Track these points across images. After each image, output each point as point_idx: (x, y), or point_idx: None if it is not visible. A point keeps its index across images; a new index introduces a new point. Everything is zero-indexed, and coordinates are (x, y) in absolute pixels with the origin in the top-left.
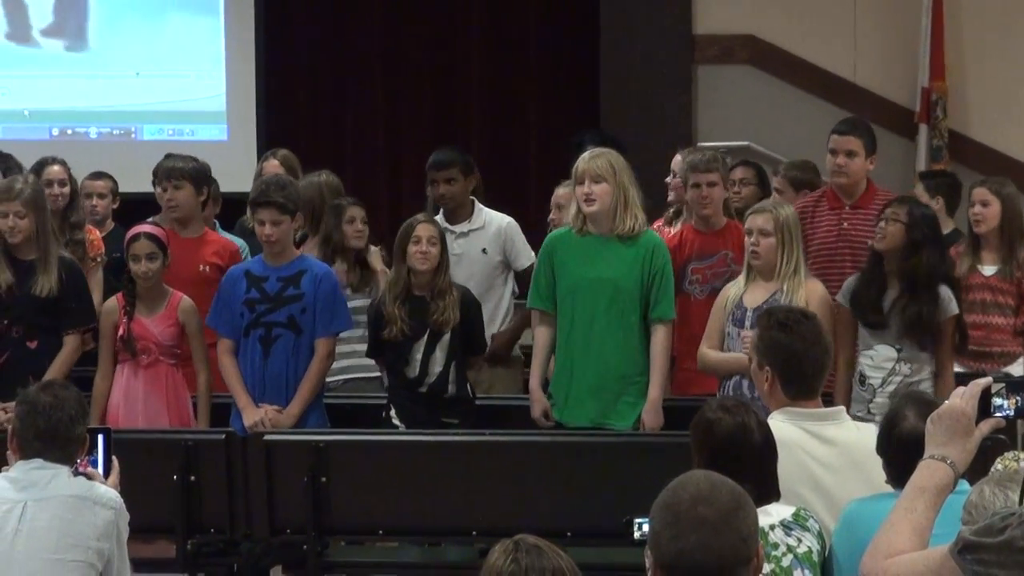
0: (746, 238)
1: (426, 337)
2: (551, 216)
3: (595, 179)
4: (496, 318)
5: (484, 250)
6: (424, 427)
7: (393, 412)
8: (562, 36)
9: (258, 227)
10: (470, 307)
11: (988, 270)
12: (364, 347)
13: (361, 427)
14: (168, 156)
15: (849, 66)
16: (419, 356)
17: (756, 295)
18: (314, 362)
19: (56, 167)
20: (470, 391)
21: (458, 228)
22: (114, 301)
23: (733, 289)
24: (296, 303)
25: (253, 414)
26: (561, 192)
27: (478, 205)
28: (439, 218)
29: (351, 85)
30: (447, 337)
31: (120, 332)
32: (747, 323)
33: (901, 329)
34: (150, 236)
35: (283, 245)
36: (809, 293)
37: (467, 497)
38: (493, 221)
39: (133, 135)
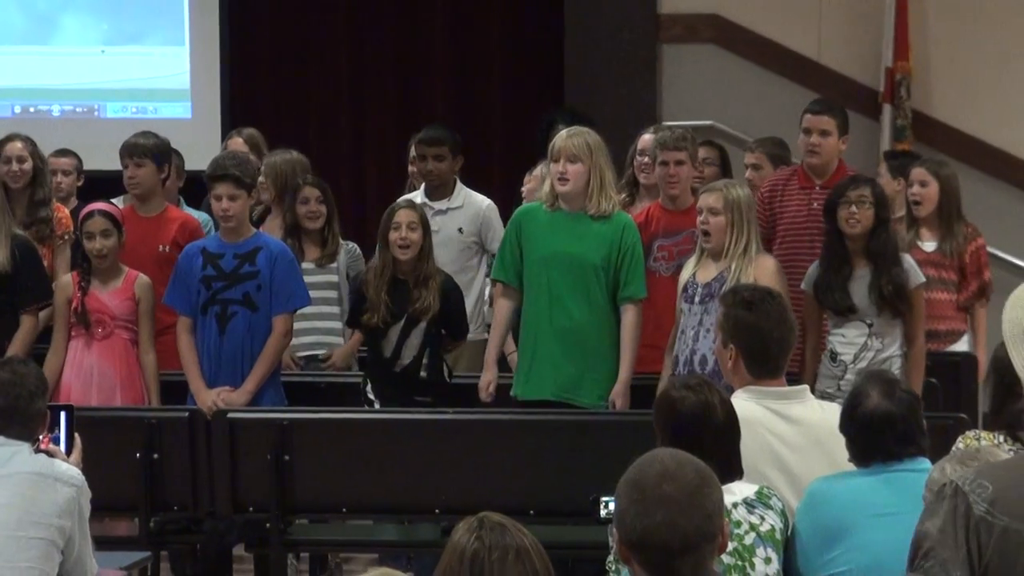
0: (697, 216)
1: (403, 322)
2: (527, 186)
3: (571, 159)
4: (468, 298)
5: (460, 229)
6: (397, 404)
7: (369, 387)
8: (526, 15)
9: (215, 202)
10: (451, 294)
11: (928, 246)
12: (330, 324)
13: (330, 405)
14: (134, 134)
15: (813, 46)
16: (394, 339)
17: (707, 272)
18: (271, 339)
19: (16, 144)
20: (446, 373)
21: (437, 205)
22: (69, 278)
23: (687, 270)
24: (252, 280)
25: (206, 397)
26: (536, 172)
27: (460, 185)
28: (420, 193)
29: (315, 64)
30: (424, 324)
31: (74, 305)
32: (696, 299)
33: (877, 305)
34: (104, 213)
35: (239, 221)
36: (759, 270)
37: (432, 475)
38: (473, 202)
39: (96, 113)
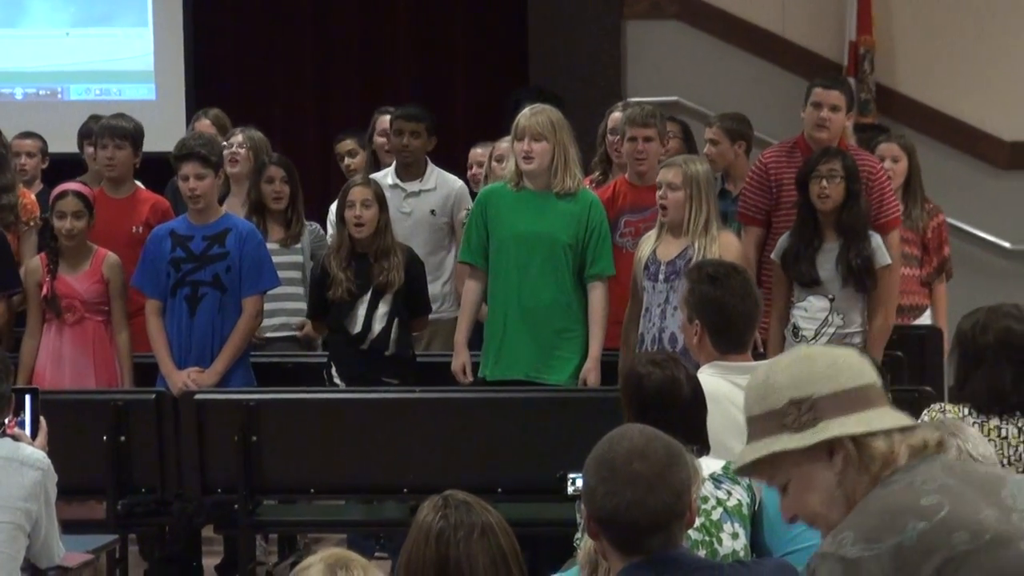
0: (656, 191)
1: (369, 295)
2: (486, 168)
3: (535, 137)
4: (439, 279)
5: (432, 211)
6: (364, 385)
7: (334, 370)
8: None
9: (182, 183)
10: (414, 268)
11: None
12: (295, 304)
13: (297, 386)
14: (108, 116)
15: (777, 21)
16: (362, 312)
17: (669, 249)
18: (241, 320)
19: None
20: (412, 352)
21: (409, 187)
22: (37, 260)
23: (646, 245)
24: (221, 261)
25: (177, 379)
26: (503, 146)
27: (431, 166)
28: (391, 172)
29: (280, 45)
30: (390, 296)
31: (44, 292)
32: (660, 276)
33: (841, 279)
34: (77, 194)
35: (207, 201)
36: (723, 247)
37: (399, 454)
38: (446, 183)
39: (60, 95)
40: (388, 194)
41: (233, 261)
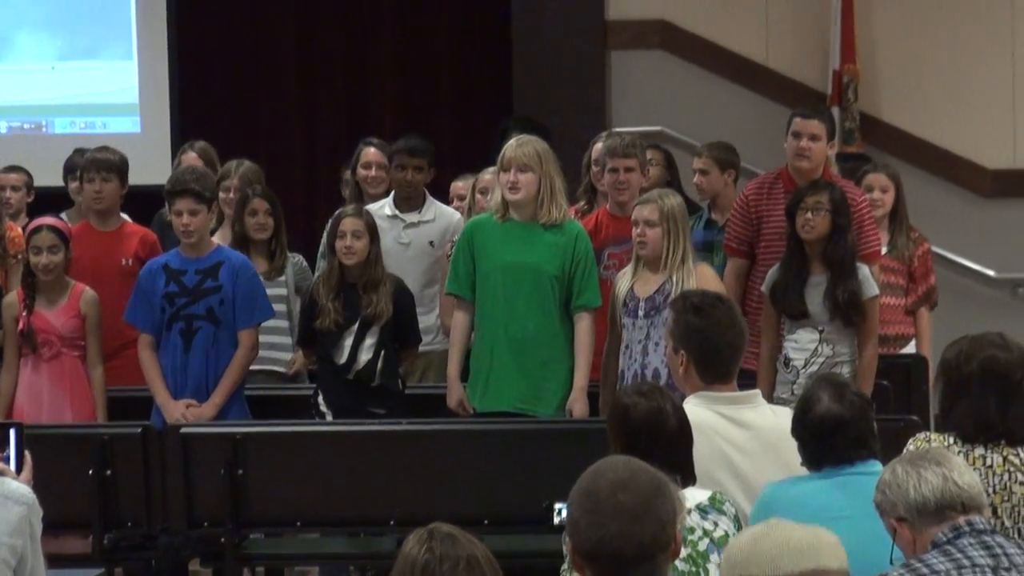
0: (633, 228)
1: (357, 326)
2: (471, 202)
3: (521, 168)
4: (435, 311)
5: (431, 243)
6: (351, 415)
7: (321, 399)
8: (473, 24)
9: (175, 218)
10: (403, 299)
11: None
12: (278, 339)
13: (282, 419)
14: (94, 149)
15: (761, 50)
16: (348, 343)
17: (647, 285)
18: (237, 354)
19: None
20: (400, 384)
21: (408, 218)
22: (15, 295)
23: (622, 281)
24: (215, 295)
25: (174, 410)
26: (487, 178)
27: (430, 197)
28: (389, 203)
29: (264, 77)
30: (377, 329)
31: (20, 326)
32: (640, 313)
33: (830, 312)
34: (52, 228)
35: (200, 236)
36: (700, 279)
37: (385, 487)
38: (443, 215)
39: (44, 129)
40: (386, 224)
41: (226, 294)
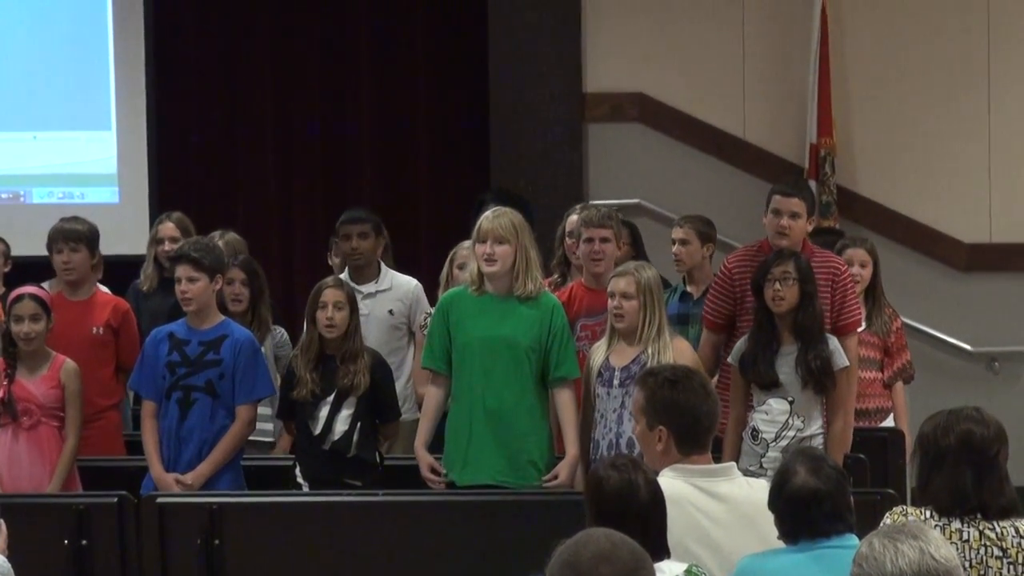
0: (609, 301)
1: (333, 397)
2: (448, 274)
3: (498, 240)
4: (399, 380)
5: (391, 311)
6: (327, 486)
7: (298, 471)
8: (451, 94)
9: (176, 285)
10: (380, 372)
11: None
12: (261, 410)
13: (261, 489)
14: (62, 219)
15: (738, 123)
16: (324, 414)
17: (623, 356)
18: (234, 427)
19: None
20: (378, 456)
21: (365, 288)
22: None
23: (598, 353)
24: (215, 368)
25: (167, 482)
26: (463, 252)
27: (384, 267)
28: (344, 277)
29: (242, 148)
30: (354, 399)
31: (1, 395)
32: (615, 382)
33: (801, 381)
34: (34, 297)
35: (200, 304)
36: (676, 353)
37: (362, 558)
38: (400, 283)
39: (22, 199)
40: None
41: (226, 368)
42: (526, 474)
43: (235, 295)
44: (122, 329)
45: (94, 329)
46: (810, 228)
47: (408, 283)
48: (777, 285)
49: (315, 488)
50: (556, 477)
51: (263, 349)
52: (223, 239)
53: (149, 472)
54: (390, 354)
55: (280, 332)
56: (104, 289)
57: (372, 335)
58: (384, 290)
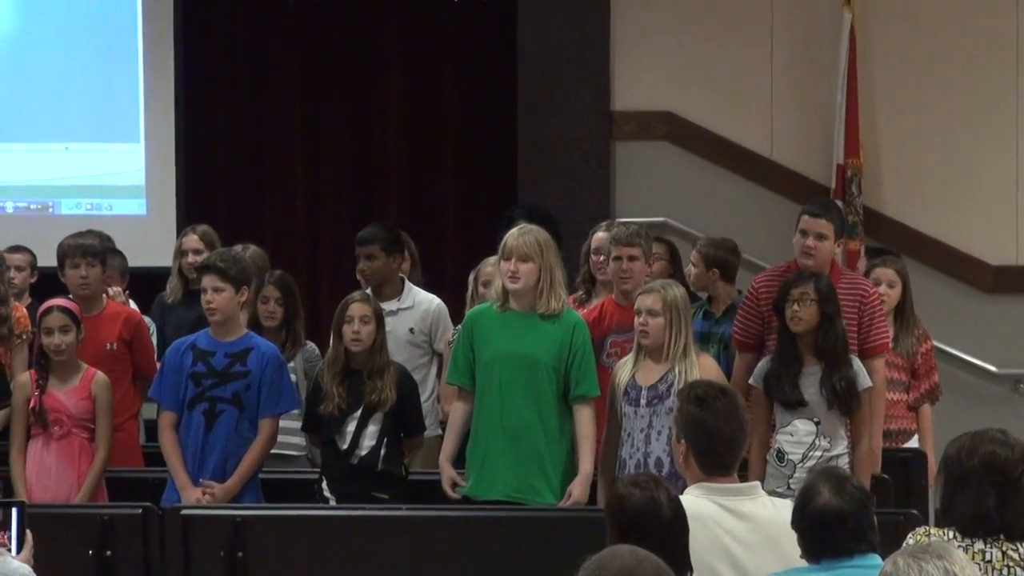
0: (636, 318)
1: (360, 411)
2: (473, 291)
3: (522, 257)
4: (421, 397)
5: (411, 329)
6: (354, 500)
7: (324, 484)
8: (480, 112)
9: (202, 295)
10: (407, 387)
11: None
12: (285, 423)
13: (287, 502)
14: (75, 234)
15: (766, 143)
16: (351, 429)
17: (649, 375)
18: (257, 440)
19: None
20: (404, 470)
21: (387, 306)
22: (27, 376)
23: (623, 370)
24: (242, 380)
25: (191, 493)
26: (488, 270)
27: (408, 284)
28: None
29: (270, 160)
30: (381, 415)
31: (32, 404)
32: (642, 401)
33: (826, 402)
34: (63, 309)
35: (224, 315)
36: (703, 371)
37: (386, 572)
38: (422, 301)
39: (51, 210)
40: None
41: (253, 380)
42: (539, 492)
43: (269, 313)
44: (135, 339)
45: (108, 345)
46: (838, 250)
47: (430, 301)
48: (795, 305)
49: (342, 502)
50: (570, 496)
51: (293, 364)
52: (246, 253)
53: (169, 483)
54: (413, 371)
55: (311, 347)
56: (119, 298)
57: (393, 353)
58: (406, 308)
